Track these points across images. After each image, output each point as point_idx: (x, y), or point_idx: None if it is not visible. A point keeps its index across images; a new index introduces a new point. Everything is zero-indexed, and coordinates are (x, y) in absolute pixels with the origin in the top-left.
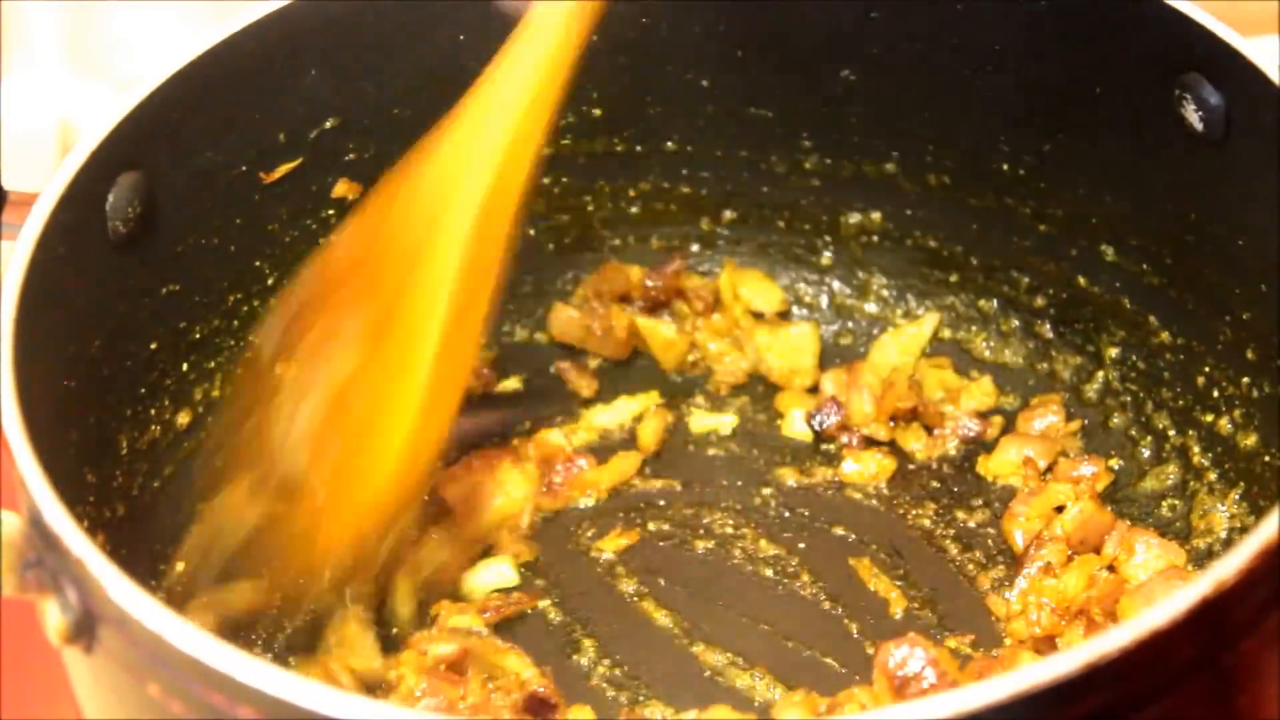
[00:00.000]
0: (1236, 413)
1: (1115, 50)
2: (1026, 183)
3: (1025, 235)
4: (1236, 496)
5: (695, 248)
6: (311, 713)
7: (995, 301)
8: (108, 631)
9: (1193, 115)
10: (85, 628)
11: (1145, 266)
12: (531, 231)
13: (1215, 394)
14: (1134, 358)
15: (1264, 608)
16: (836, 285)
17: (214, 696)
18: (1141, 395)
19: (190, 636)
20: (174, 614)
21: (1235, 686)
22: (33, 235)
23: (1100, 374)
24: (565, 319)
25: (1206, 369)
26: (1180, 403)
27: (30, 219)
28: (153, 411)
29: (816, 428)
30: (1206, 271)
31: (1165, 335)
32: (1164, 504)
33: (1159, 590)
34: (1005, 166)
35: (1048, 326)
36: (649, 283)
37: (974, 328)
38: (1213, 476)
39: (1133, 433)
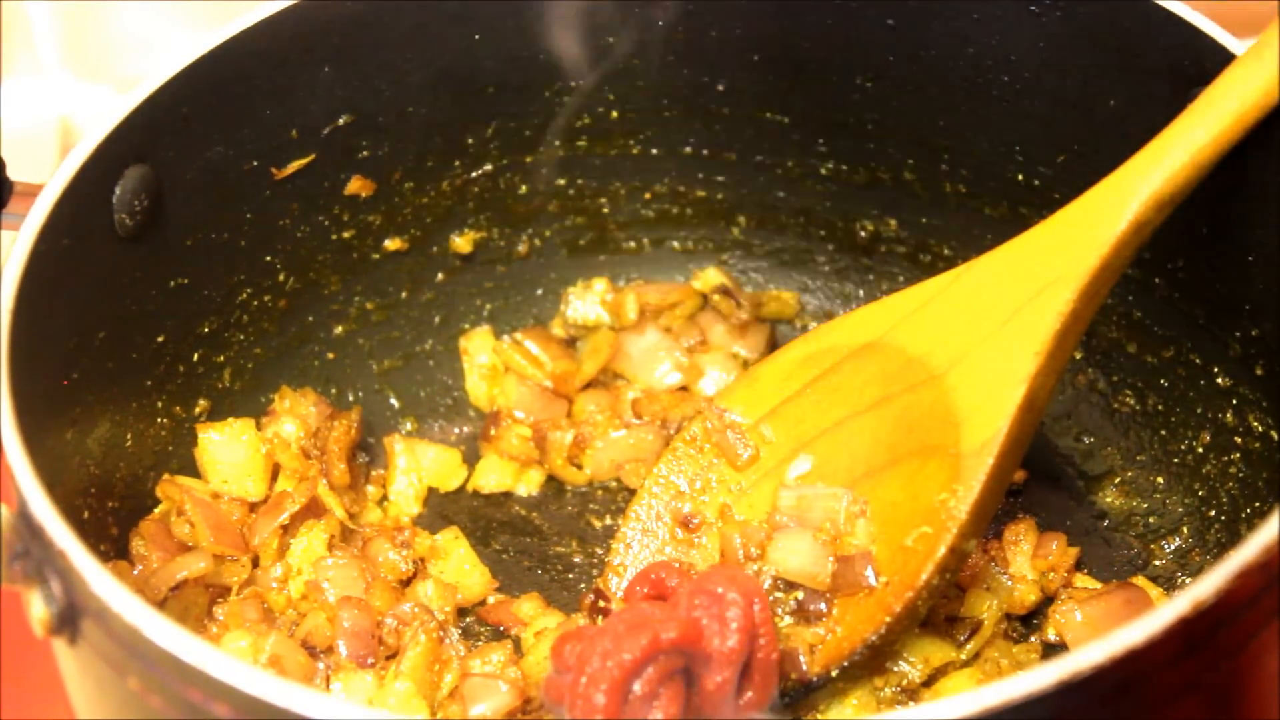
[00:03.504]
0: (1244, 425)
1: (1128, 63)
2: (1041, 193)
3: None
4: (1248, 511)
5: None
6: (285, 711)
7: None
8: (89, 624)
9: None
10: (68, 620)
11: (1157, 280)
12: (546, 233)
13: (1224, 406)
14: (1143, 370)
15: (1246, 628)
16: (849, 290)
17: (190, 692)
18: (1149, 407)
19: (167, 632)
20: (152, 608)
21: (1220, 704)
22: (35, 226)
23: (1105, 384)
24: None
25: (1216, 382)
26: (1187, 415)
27: (34, 210)
28: (160, 404)
29: None
30: (1217, 285)
31: (1175, 348)
32: (1164, 511)
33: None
34: (1020, 176)
35: None
36: None
37: None
38: (1219, 489)
39: (1135, 443)
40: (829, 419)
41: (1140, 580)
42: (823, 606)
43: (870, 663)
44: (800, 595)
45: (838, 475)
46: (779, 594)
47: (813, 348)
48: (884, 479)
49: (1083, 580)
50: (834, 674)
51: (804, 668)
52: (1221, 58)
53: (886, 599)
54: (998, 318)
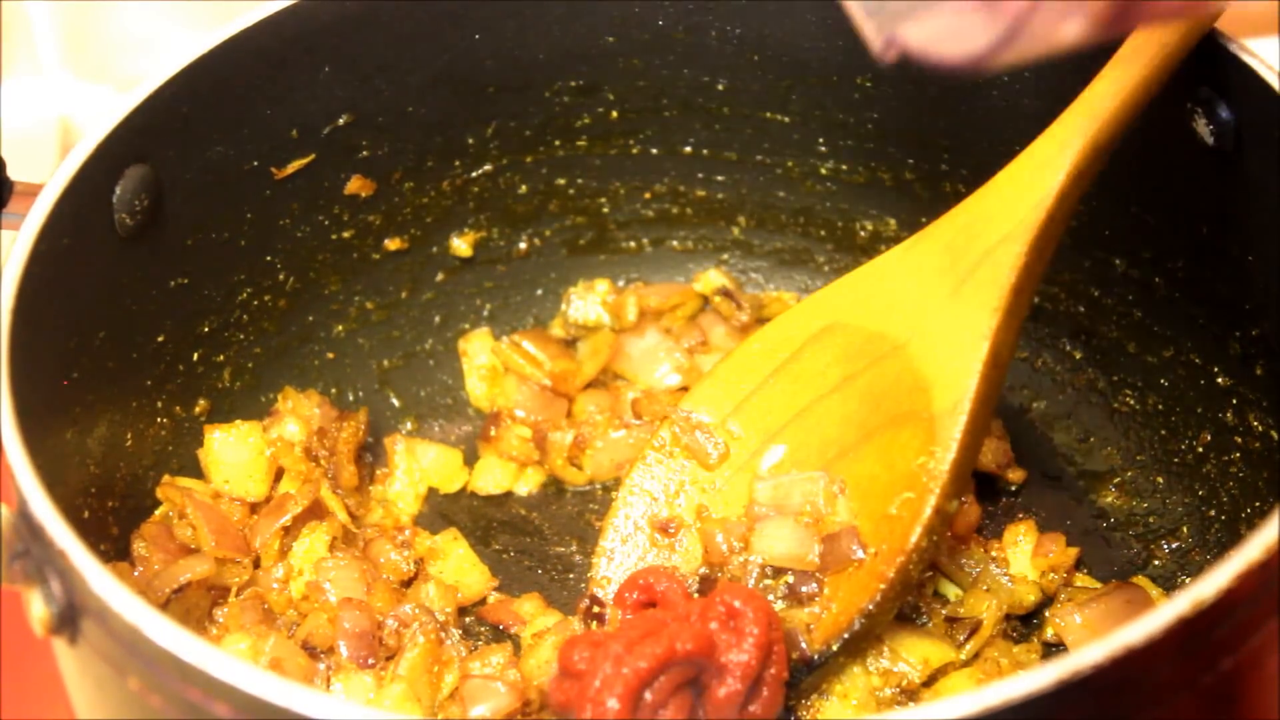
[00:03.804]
0: (1244, 424)
1: None
2: None
3: None
4: (1248, 511)
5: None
6: (285, 711)
7: None
8: (89, 624)
9: (1204, 129)
10: (68, 619)
11: (1157, 279)
12: (546, 233)
13: (1224, 406)
14: (1143, 370)
15: (1246, 628)
16: None
17: (191, 692)
18: (1149, 407)
19: (167, 631)
20: (153, 608)
21: (1219, 705)
22: (35, 226)
23: (1105, 384)
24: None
25: (1216, 382)
26: (1187, 415)
27: (34, 210)
28: (160, 404)
29: None
30: (1218, 285)
31: (1175, 348)
32: (1164, 511)
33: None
34: None
35: (1063, 339)
36: None
37: None
38: (1219, 489)
39: (1135, 443)
40: (796, 406)
41: (1140, 580)
42: (814, 586)
43: (867, 645)
44: (790, 579)
45: (811, 459)
46: (768, 580)
47: (771, 338)
48: (859, 455)
49: (1083, 580)
50: (835, 648)
51: (804, 646)
52: (1218, 59)
53: (878, 567)
54: (952, 281)
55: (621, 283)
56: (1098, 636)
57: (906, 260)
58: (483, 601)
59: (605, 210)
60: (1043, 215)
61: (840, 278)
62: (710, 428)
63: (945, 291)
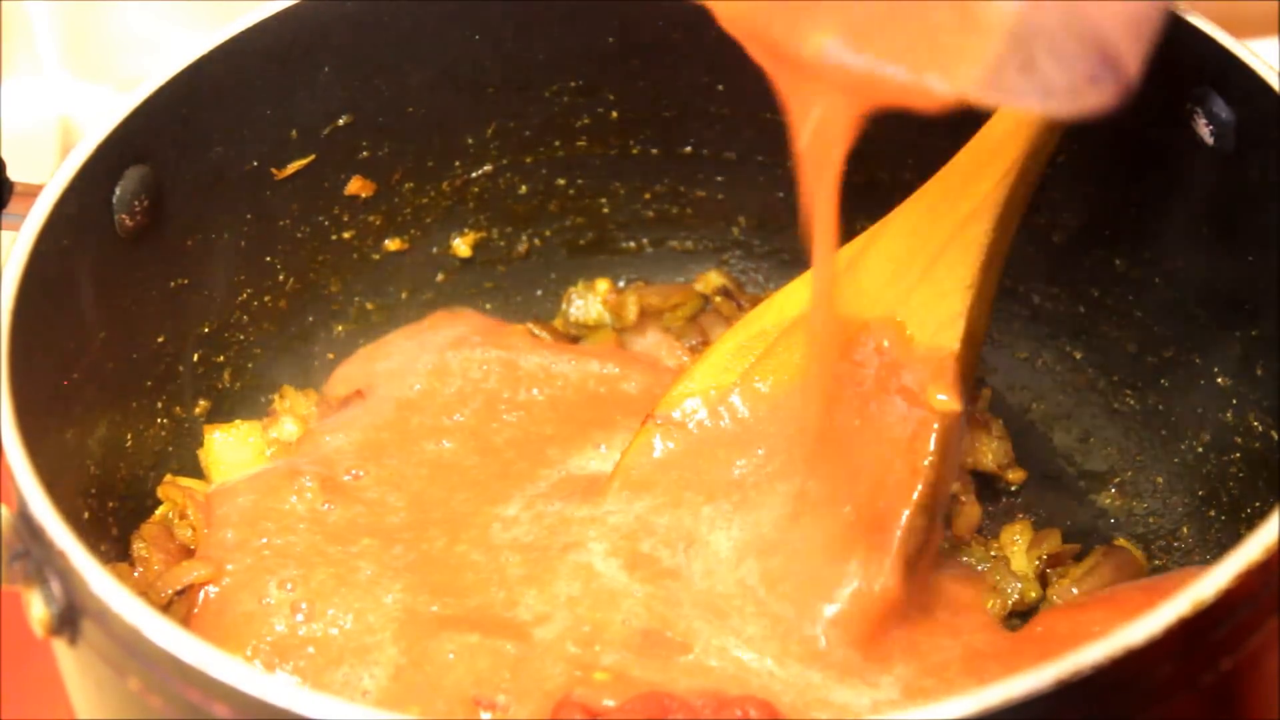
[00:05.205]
0: (1244, 425)
1: None
2: (1039, 194)
3: (1039, 247)
4: (1248, 511)
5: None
6: (285, 711)
7: (1007, 311)
8: (89, 624)
9: (1204, 129)
10: (68, 620)
11: (1157, 279)
12: (546, 233)
13: (1224, 406)
14: (1143, 370)
15: (1246, 627)
16: None
17: (190, 692)
18: (1149, 407)
19: (167, 632)
20: (152, 609)
21: (1218, 705)
22: (35, 227)
23: (1105, 383)
24: None
25: (1216, 382)
26: (1187, 415)
27: (34, 211)
28: (160, 404)
29: None
30: (1218, 285)
31: (1175, 348)
32: (1164, 511)
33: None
34: None
35: (1063, 339)
36: None
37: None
38: (1219, 489)
39: (1135, 443)
40: (773, 400)
41: (1141, 580)
42: None
43: None
44: None
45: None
46: None
47: (743, 336)
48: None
49: (1082, 579)
50: None
51: None
52: (1217, 57)
53: None
54: (922, 263)
55: (622, 283)
56: (1099, 635)
57: (874, 247)
58: None
59: (605, 210)
60: (1006, 191)
61: (807, 270)
62: None
63: (916, 274)
